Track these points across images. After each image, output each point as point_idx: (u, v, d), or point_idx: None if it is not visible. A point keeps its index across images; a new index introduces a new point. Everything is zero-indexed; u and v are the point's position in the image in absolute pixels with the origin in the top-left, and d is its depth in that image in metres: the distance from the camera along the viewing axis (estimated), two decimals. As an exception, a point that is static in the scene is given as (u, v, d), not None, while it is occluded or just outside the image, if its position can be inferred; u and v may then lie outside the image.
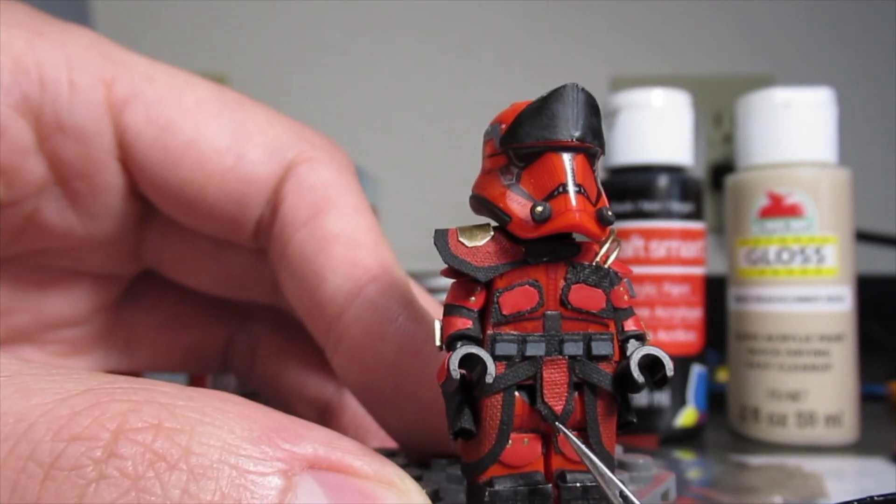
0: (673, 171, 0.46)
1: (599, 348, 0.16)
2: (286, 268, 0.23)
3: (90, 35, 0.23)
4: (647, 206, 0.45)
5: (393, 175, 0.91)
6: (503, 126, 0.16)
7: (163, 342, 0.28)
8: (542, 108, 0.15)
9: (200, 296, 0.27)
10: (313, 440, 0.13)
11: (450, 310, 0.16)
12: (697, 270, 0.46)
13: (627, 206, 0.46)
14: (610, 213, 0.16)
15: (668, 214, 0.45)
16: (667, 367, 0.15)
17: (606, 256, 0.16)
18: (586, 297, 0.16)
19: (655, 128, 0.46)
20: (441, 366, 0.15)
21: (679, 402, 0.45)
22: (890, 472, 0.37)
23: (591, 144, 0.16)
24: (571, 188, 0.15)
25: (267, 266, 0.24)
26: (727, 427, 0.47)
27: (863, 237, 0.67)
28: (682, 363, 0.45)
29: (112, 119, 0.22)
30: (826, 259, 0.44)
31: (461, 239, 0.16)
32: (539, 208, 0.15)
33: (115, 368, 0.27)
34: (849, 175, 0.45)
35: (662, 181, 0.45)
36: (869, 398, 0.51)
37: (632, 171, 0.46)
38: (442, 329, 0.16)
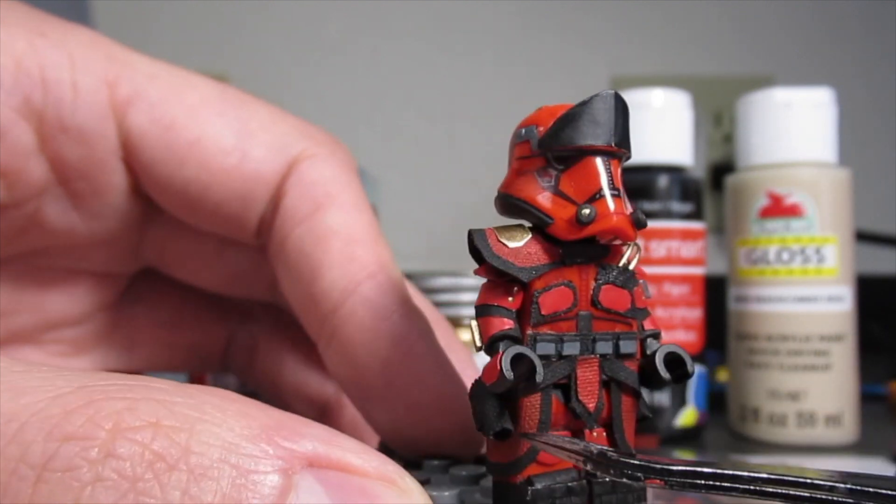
0: (673, 171, 0.46)
1: (626, 347, 0.17)
2: (283, 262, 0.23)
3: (92, 35, 0.22)
4: (647, 206, 0.45)
5: (393, 175, 0.91)
6: (541, 129, 0.16)
7: (163, 341, 0.28)
8: (585, 113, 0.16)
9: (201, 295, 0.27)
10: (313, 438, 0.13)
11: (487, 310, 0.16)
12: (697, 270, 0.46)
13: (627, 206, 0.45)
14: (643, 216, 0.16)
15: (668, 214, 0.45)
16: (688, 365, 0.16)
17: (630, 259, 0.17)
18: (615, 297, 0.16)
19: (655, 128, 0.46)
20: (490, 366, 0.15)
21: (679, 402, 0.45)
22: (890, 471, 0.37)
23: (626, 150, 0.16)
24: (609, 192, 0.16)
25: (269, 263, 0.24)
26: (727, 427, 0.47)
27: (863, 237, 0.67)
28: (682, 363, 0.45)
29: (115, 120, 0.22)
30: (826, 259, 0.44)
31: (502, 239, 0.16)
32: (586, 211, 0.16)
33: (115, 368, 0.27)
34: (849, 175, 0.45)
35: (662, 181, 0.45)
36: (869, 398, 0.51)
37: (632, 171, 0.46)
38: (481, 329, 0.16)
